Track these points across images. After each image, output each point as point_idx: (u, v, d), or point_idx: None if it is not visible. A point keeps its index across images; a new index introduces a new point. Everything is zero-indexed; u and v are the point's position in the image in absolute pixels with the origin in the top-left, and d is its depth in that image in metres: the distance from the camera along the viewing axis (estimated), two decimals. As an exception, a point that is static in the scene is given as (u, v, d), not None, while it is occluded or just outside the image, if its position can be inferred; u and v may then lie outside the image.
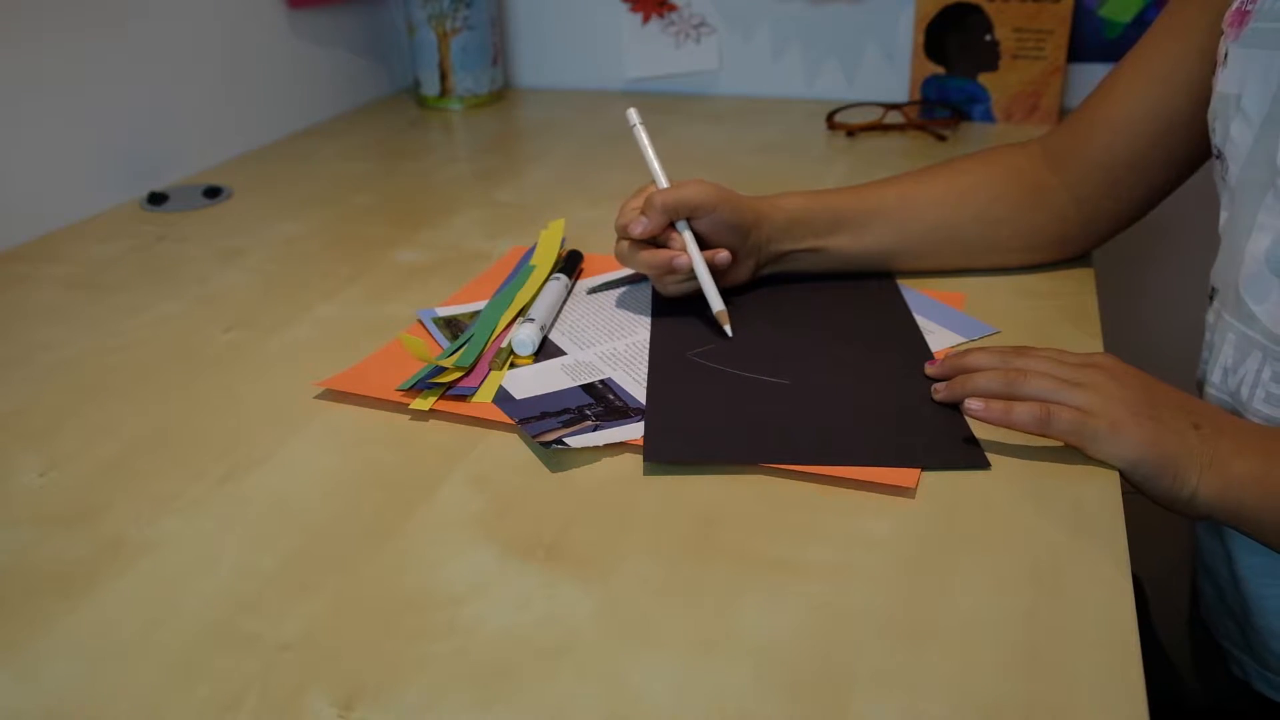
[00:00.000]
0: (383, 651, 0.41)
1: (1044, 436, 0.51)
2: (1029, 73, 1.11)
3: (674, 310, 0.69)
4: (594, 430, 0.55)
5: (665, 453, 0.53)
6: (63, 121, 0.90)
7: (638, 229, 0.65)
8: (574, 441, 0.54)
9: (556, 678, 0.40)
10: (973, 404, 0.52)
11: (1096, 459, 0.50)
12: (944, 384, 0.57)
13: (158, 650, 0.42)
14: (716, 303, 0.65)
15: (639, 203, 0.66)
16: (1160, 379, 0.53)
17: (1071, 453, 0.52)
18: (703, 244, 0.66)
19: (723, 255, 0.66)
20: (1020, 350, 0.56)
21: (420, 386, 0.60)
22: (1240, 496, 0.49)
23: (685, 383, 0.60)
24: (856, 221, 0.71)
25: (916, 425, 0.55)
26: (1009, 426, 0.51)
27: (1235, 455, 0.49)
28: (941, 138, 1.07)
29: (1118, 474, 0.50)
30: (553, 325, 0.68)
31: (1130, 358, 0.55)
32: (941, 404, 0.56)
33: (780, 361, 0.62)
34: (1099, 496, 0.49)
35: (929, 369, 0.59)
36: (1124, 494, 0.50)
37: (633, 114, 0.71)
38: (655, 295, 0.71)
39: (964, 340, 0.64)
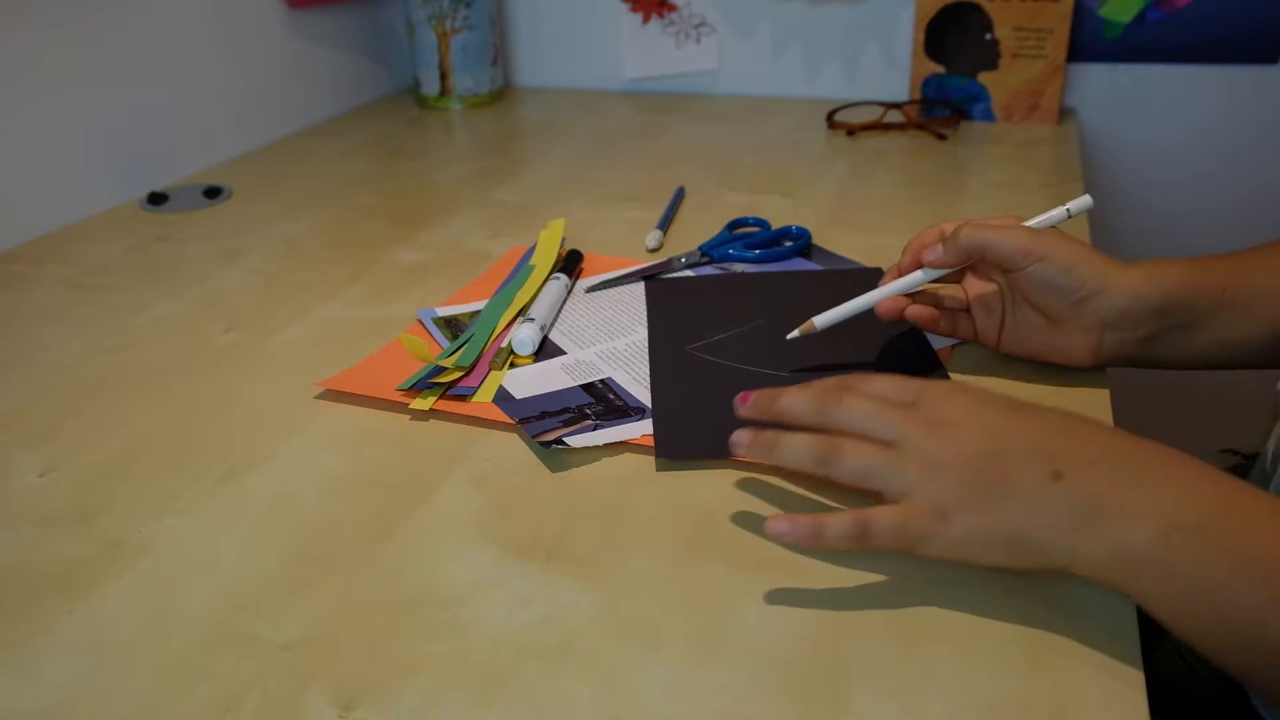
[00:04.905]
0: (383, 651, 0.41)
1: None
2: (1029, 72, 1.11)
3: (672, 309, 0.69)
4: (594, 429, 0.55)
5: (678, 450, 0.53)
6: (63, 121, 0.90)
7: (931, 256, 0.57)
8: (574, 441, 0.54)
9: (556, 678, 0.40)
10: (777, 525, 0.43)
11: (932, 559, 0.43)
12: (746, 441, 0.46)
13: (158, 650, 0.42)
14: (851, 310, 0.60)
15: (950, 228, 0.58)
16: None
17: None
18: (1027, 296, 0.56)
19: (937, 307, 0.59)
20: (831, 401, 0.46)
21: (420, 386, 0.60)
22: (1134, 573, 0.39)
23: (688, 380, 0.60)
24: (1242, 302, 0.54)
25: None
26: (824, 547, 0.45)
27: (1122, 519, 0.39)
28: (942, 137, 1.07)
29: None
30: (553, 325, 0.68)
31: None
32: None
33: (779, 359, 0.62)
34: (1099, 496, 0.49)
35: (739, 409, 0.48)
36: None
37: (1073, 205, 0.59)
38: (651, 294, 0.71)
39: (963, 340, 0.64)
